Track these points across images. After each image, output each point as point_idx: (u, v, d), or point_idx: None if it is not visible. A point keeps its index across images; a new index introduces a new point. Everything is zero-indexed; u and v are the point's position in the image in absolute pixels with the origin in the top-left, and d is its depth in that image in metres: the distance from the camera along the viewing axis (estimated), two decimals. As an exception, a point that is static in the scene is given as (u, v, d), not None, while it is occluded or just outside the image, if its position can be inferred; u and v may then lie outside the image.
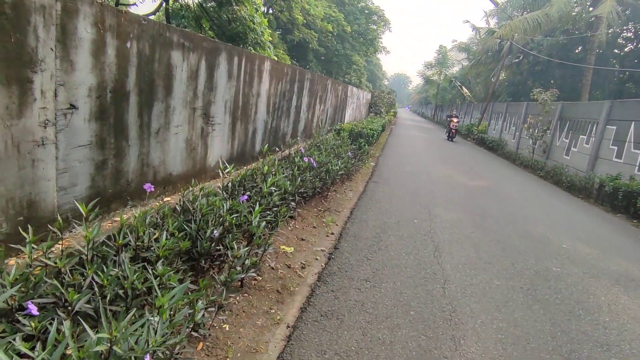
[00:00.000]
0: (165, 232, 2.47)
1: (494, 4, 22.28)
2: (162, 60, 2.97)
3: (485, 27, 31.75)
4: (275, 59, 12.50)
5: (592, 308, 3.71)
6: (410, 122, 38.61)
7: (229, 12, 10.44)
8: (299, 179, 4.67)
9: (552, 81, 24.04)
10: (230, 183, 3.88)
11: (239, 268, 2.81)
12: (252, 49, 10.96)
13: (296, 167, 4.94)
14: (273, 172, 4.52)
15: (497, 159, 16.63)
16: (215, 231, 2.82)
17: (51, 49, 2.10)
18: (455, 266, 4.22)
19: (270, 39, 13.30)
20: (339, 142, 7.71)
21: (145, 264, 2.34)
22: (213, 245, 2.87)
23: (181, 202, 3.11)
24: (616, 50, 24.34)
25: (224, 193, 3.70)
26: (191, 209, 3.00)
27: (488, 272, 4.18)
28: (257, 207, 3.15)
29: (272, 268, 3.54)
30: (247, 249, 2.89)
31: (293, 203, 4.46)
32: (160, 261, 2.34)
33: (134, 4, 27.10)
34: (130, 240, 2.37)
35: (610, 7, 16.50)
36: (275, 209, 3.87)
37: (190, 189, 3.06)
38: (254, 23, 10.40)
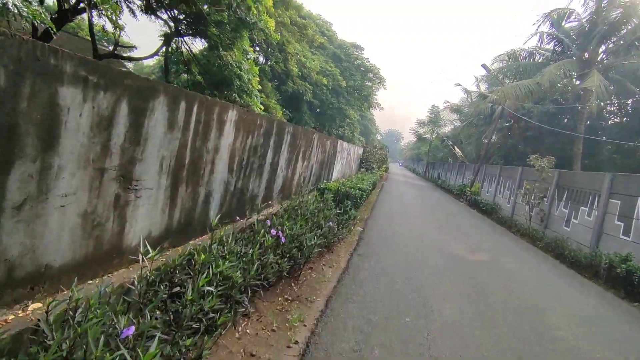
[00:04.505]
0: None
1: (487, 70, 22.69)
2: (38, 98, 1.98)
3: (476, 90, 32.58)
4: (261, 108, 11.85)
5: None
6: (402, 179, 38.24)
7: (214, 57, 9.87)
8: (257, 263, 3.54)
9: (542, 147, 24.06)
10: (154, 273, 2.75)
11: None
12: (237, 96, 10.30)
13: (257, 245, 3.83)
14: (223, 254, 3.41)
15: (493, 225, 15.73)
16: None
17: None
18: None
19: (260, 87, 12.78)
20: (321, 205, 6.67)
21: None
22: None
23: (46, 317, 1.96)
24: (602, 122, 24.76)
25: (139, 287, 2.57)
26: (50, 334, 1.84)
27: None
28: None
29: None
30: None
31: (246, 299, 3.29)
32: None
33: (135, 47, 27.06)
34: None
35: (598, 81, 16.70)
36: (212, 315, 2.71)
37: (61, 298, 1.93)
38: (240, 70, 9.81)
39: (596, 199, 11.25)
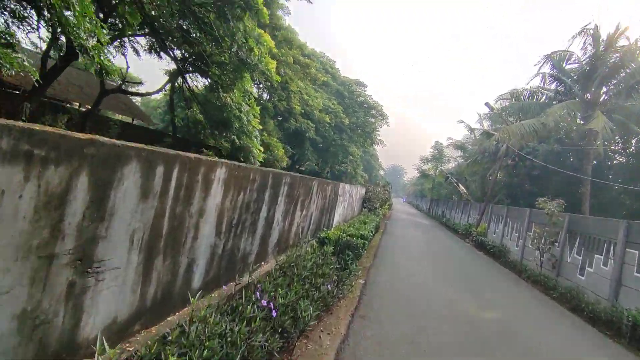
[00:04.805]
0: None
1: (490, 108, 22.74)
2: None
3: (479, 128, 32.66)
4: (261, 149, 11.59)
5: None
6: (405, 216, 37.55)
7: (214, 98, 9.73)
8: (243, 348, 3.03)
9: (549, 187, 23.58)
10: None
11: None
12: (236, 137, 10.06)
13: (244, 322, 3.33)
14: (202, 338, 2.92)
15: (501, 270, 15.02)
16: None
17: None
18: None
19: (261, 127, 12.61)
20: (320, 260, 6.16)
21: None
22: None
23: None
24: (608, 162, 24.46)
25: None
26: None
27: None
28: None
29: None
30: None
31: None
32: None
33: (141, 82, 27.33)
34: None
35: (603, 123, 16.58)
36: None
37: None
38: (240, 111, 9.62)
39: (612, 247, 10.64)
